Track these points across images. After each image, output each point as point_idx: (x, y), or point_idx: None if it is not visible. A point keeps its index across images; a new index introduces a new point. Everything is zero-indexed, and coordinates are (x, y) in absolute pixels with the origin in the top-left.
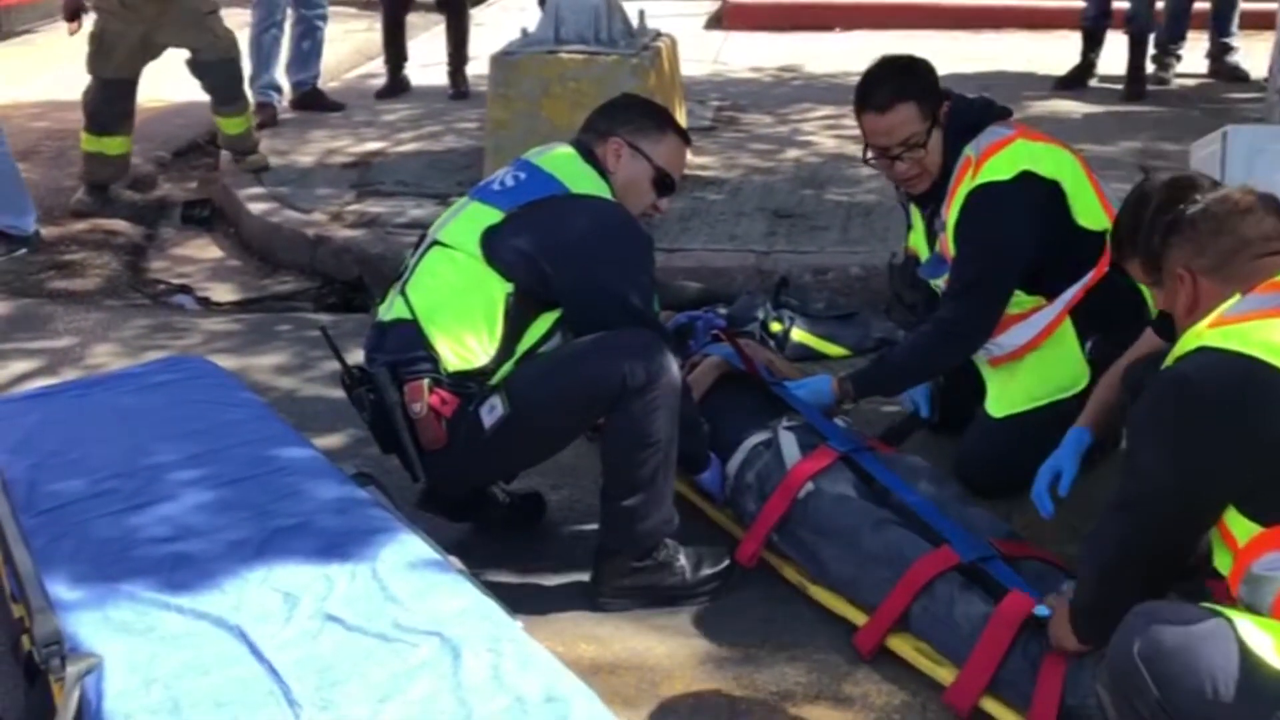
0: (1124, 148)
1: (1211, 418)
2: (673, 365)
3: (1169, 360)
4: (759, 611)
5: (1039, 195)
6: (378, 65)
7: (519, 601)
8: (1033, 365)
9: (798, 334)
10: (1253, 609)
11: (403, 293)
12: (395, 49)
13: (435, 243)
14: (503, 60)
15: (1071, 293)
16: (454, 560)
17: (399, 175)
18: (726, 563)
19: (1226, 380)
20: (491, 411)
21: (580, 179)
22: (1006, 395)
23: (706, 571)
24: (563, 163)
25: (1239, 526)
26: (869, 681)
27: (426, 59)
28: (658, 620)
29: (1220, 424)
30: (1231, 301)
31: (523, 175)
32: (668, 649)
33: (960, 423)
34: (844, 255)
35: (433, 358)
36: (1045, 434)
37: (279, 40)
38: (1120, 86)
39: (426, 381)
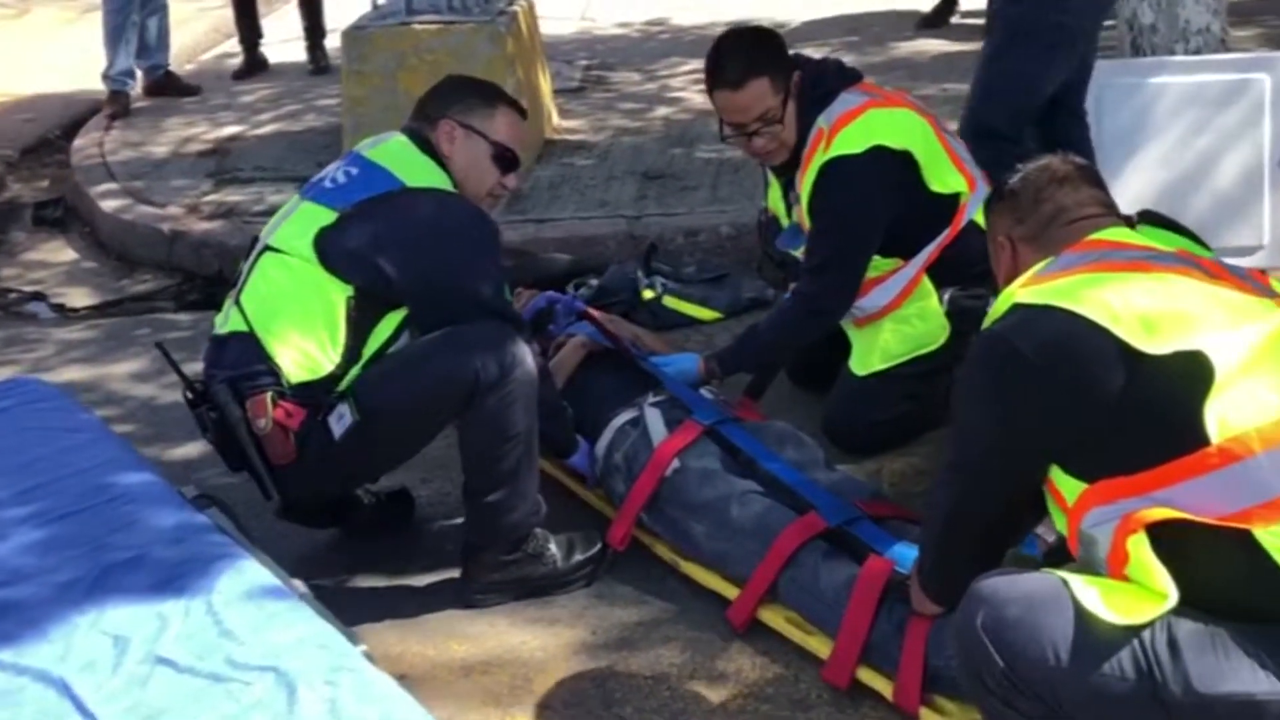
0: None
1: (1027, 373)
2: (527, 355)
3: (986, 322)
4: (633, 594)
5: (890, 168)
6: (235, 44)
7: (389, 605)
8: (894, 324)
9: (670, 300)
10: (1092, 571)
11: (237, 303)
12: (248, 26)
13: (267, 248)
14: (354, 35)
15: (927, 252)
16: (297, 584)
17: (257, 160)
18: (598, 547)
19: (1040, 335)
20: (340, 420)
21: (415, 170)
22: (870, 353)
23: (578, 558)
24: (396, 154)
25: (1066, 485)
26: (742, 656)
27: (285, 34)
28: (531, 612)
29: (1037, 379)
30: (1044, 263)
31: (354, 170)
32: (541, 642)
33: (825, 382)
34: (714, 215)
35: (274, 370)
36: (908, 389)
37: (130, 26)
38: (982, 22)
39: (269, 395)
